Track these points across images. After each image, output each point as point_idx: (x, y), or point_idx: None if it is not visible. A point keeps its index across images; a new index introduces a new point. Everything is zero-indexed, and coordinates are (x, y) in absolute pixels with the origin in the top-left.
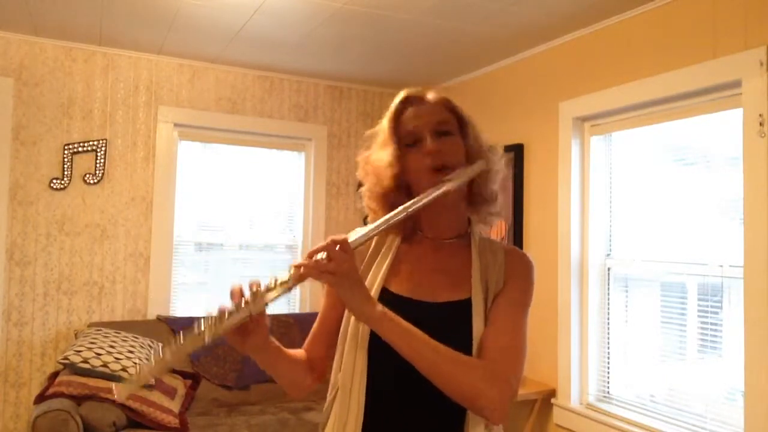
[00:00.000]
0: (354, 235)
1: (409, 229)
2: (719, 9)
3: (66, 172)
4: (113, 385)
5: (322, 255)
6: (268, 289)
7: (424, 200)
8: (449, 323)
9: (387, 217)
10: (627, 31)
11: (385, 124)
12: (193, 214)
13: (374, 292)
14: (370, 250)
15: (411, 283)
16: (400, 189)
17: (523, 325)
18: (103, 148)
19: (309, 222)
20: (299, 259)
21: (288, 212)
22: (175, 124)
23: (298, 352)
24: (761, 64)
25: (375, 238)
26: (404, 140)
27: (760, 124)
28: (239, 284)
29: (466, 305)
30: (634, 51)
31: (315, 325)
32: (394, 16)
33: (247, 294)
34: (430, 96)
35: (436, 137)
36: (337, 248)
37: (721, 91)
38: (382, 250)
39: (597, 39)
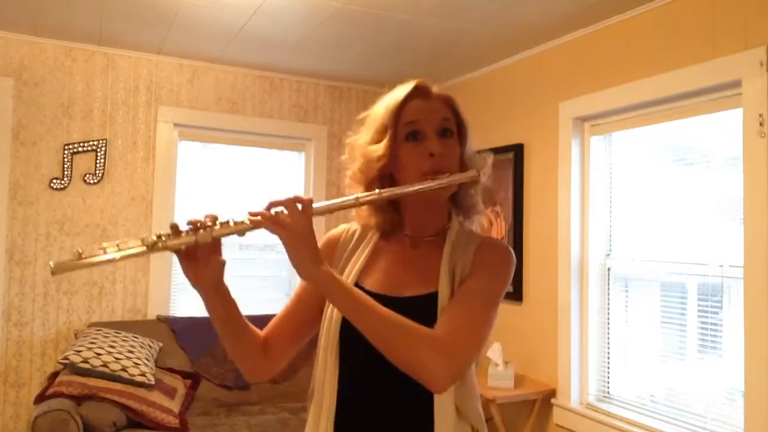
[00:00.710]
0: (321, 203)
1: (389, 226)
2: (719, 9)
3: (66, 172)
4: (50, 262)
5: (281, 209)
6: (222, 225)
7: (399, 191)
8: (414, 317)
9: (357, 195)
10: (627, 31)
11: (380, 110)
12: (193, 214)
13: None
14: (351, 245)
15: (383, 279)
16: (383, 180)
17: (480, 311)
18: (103, 148)
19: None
20: None
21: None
22: (175, 124)
23: (256, 330)
24: (761, 64)
25: (357, 232)
26: (403, 130)
27: (760, 124)
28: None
29: (431, 299)
30: (634, 51)
31: (280, 311)
32: (394, 16)
33: (203, 222)
34: (437, 91)
35: (439, 137)
36: (299, 207)
37: (721, 91)
38: (361, 246)
39: (597, 39)
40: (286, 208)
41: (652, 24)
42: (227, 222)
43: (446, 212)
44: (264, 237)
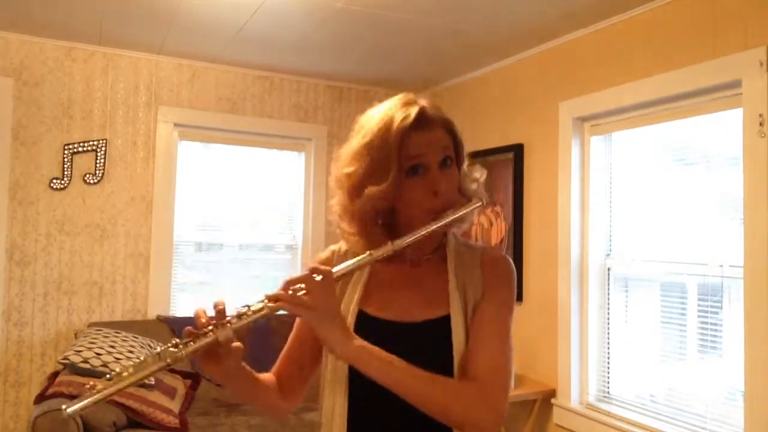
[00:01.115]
0: (337, 267)
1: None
2: (719, 9)
3: (66, 172)
4: (62, 406)
5: (300, 285)
6: (239, 316)
7: (412, 239)
8: (429, 342)
9: (370, 252)
10: (627, 31)
11: (376, 139)
12: (193, 214)
13: (351, 316)
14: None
15: (387, 303)
16: (387, 213)
17: (508, 335)
18: (103, 148)
19: (309, 222)
20: (298, 260)
21: (288, 212)
22: (175, 124)
23: (269, 377)
24: (761, 64)
25: (348, 253)
26: (405, 163)
27: (760, 124)
28: (202, 308)
29: (444, 322)
30: (634, 51)
31: (284, 350)
32: (394, 16)
33: (212, 315)
34: (434, 115)
35: (441, 169)
36: (318, 278)
37: (721, 91)
38: (356, 271)
39: (597, 39)
40: (305, 284)
41: (652, 24)
42: (245, 313)
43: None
44: (264, 237)
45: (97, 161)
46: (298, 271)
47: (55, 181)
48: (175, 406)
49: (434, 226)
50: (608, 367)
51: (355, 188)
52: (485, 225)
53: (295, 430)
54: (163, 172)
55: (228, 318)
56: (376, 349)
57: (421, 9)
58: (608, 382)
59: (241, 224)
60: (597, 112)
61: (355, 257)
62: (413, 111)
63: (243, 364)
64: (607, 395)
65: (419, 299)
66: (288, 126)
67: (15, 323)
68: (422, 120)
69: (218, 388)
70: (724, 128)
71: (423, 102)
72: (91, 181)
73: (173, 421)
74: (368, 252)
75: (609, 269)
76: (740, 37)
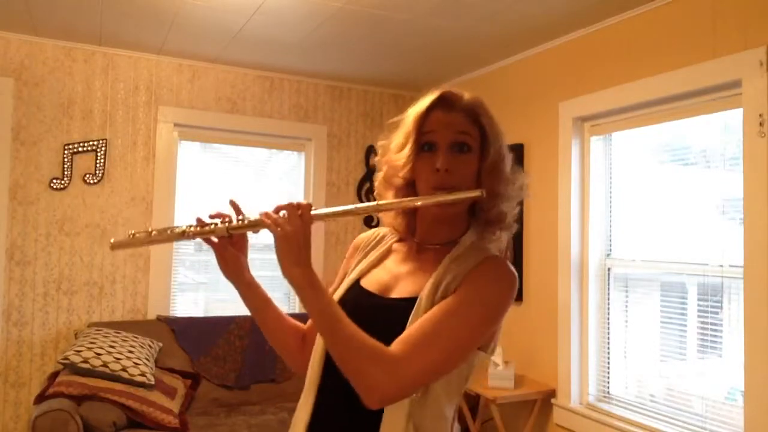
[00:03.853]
0: (321, 209)
1: (406, 230)
2: (719, 9)
3: (66, 172)
4: (111, 240)
5: (284, 212)
6: (236, 221)
7: (397, 205)
8: (388, 317)
9: (354, 206)
10: (627, 31)
11: (410, 117)
12: (193, 214)
13: (347, 282)
14: (371, 246)
15: (382, 279)
16: (409, 186)
17: (444, 335)
18: (103, 148)
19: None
20: None
21: None
22: (175, 124)
23: (295, 322)
24: (761, 64)
25: (386, 236)
26: (421, 140)
27: (760, 124)
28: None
29: (411, 303)
30: (634, 51)
31: None
32: (394, 16)
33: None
34: (463, 102)
35: (451, 153)
36: (298, 211)
37: (721, 91)
38: (378, 246)
39: (597, 39)
40: (286, 210)
41: (652, 24)
42: (241, 219)
43: (462, 224)
44: (264, 237)
45: (97, 161)
46: None
47: (55, 181)
48: (175, 406)
49: (422, 201)
50: (608, 367)
51: (386, 160)
52: None
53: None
54: (163, 172)
55: (228, 220)
56: (318, 283)
57: (421, 9)
58: (608, 382)
59: None
60: (597, 112)
61: (390, 237)
62: (440, 91)
63: (252, 277)
64: (607, 395)
65: (406, 280)
66: (288, 126)
67: (15, 323)
68: (444, 101)
69: (218, 388)
70: (724, 128)
71: (460, 91)
72: (91, 181)
73: (173, 421)
74: (354, 205)
75: (609, 269)
76: (740, 37)
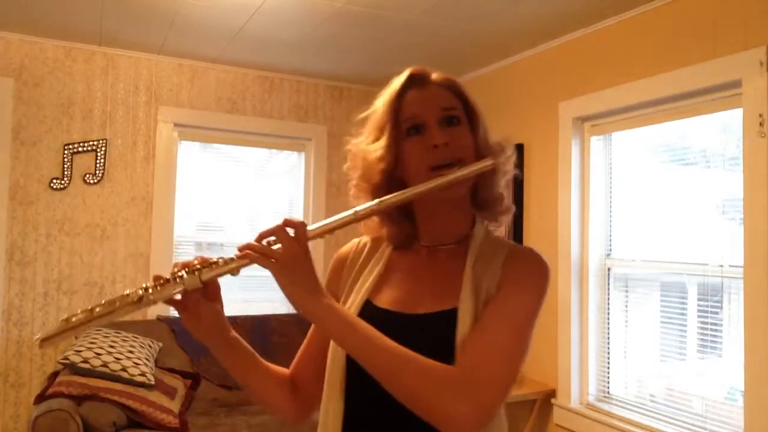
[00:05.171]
0: (315, 224)
1: (402, 237)
2: (719, 9)
3: (66, 172)
4: (34, 337)
5: (272, 238)
6: (210, 266)
7: (403, 196)
8: (430, 336)
9: (355, 209)
10: (627, 31)
11: (380, 105)
12: (193, 214)
13: (357, 305)
14: (361, 260)
15: (398, 295)
16: (392, 185)
17: (521, 330)
18: (103, 148)
19: (309, 222)
20: None
21: (288, 212)
22: (175, 124)
23: (281, 369)
24: (761, 64)
25: (368, 245)
26: (404, 125)
27: (760, 124)
28: (181, 261)
29: (450, 315)
30: (634, 51)
31: (302, 346)
32: (394, 16)
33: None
34: (436, 77)
35: (442, 127)
36: (291, 233)
37: (721, 91)
38: (373, 260)
39: (597, 39)
40: (275, 236)
41: (652, 24)
42: (215, 263)
43: (468, 216)
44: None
45: (97, 161)
46: None
47: (55, 181)
48: (175, 406)
49: (431, 184)
50: (608, 367)
51: (360, 158)
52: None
53: (295, 430)
54: (163, 172)
55: (197, 267)
56: (345, 312)
57: (421, 9)
58: (608, 382)
59: (241, 224)
60: (597, 112)
61: (377, 248)
62: (409, 70)
63: (235, 335)
64: (607, 395)
65: (429, 291)
66: (288, 126)
67: (15, 323)
68: (416, 79)
69: (218, 388)
70: (724, 128)
71: (425, 67)
72: (91, 181)
73: (173, 421)
74: (353, 210)
75: (609, 269)
76: (740, 37)
